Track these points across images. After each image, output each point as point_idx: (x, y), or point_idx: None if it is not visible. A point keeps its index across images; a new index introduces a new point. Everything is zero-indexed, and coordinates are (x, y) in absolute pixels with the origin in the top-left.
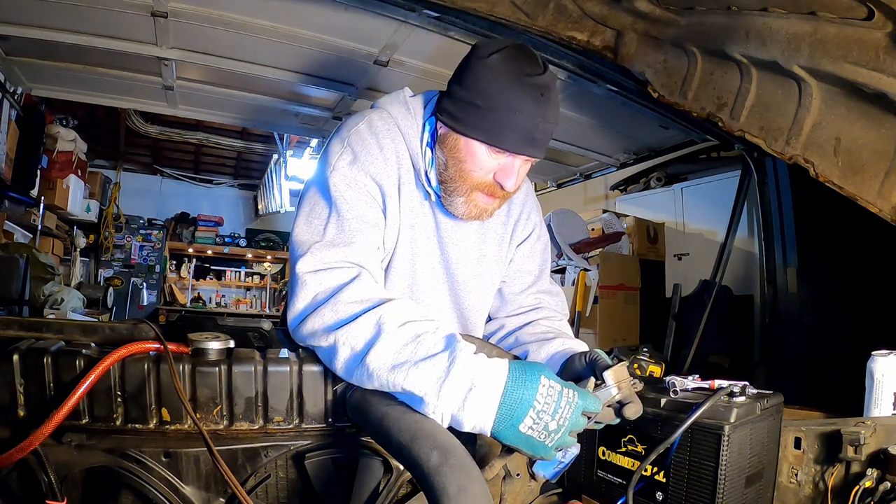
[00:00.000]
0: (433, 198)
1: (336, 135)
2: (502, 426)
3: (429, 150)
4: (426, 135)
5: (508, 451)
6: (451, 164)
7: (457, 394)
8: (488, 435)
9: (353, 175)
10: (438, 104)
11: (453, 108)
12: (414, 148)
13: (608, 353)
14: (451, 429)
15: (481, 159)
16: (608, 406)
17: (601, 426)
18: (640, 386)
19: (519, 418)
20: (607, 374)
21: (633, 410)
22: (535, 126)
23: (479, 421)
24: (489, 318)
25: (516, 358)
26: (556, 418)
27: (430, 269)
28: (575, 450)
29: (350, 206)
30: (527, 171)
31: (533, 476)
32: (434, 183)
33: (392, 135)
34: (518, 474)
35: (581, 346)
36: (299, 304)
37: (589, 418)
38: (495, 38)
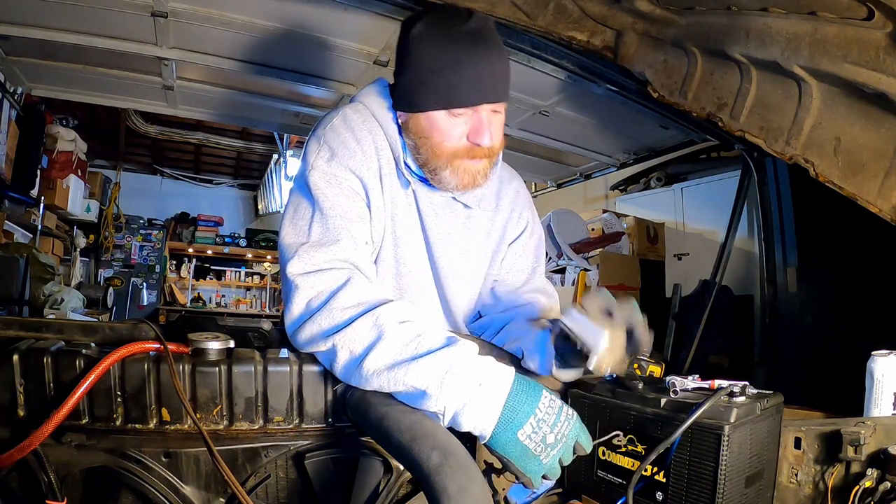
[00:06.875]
0: (413, 184)
1: (312, 133)
2: (501, 430)
3: (401, 138)
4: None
5: (487, 470)
6: (420, 145)
7: (463, 389)
8: (487, 437)
9: (332, 171)
10: (392, 98)
11: (404, 94)
12: (392, 136)
13: None
14: (451, 429)
15: (446, 128)
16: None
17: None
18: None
19: (520, 423)
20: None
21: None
22: (482, 70)
23: (481, 421)
24: (480, 315)
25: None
26: (554, 431)
27: (417, 260)
28: (551, 481)
29: (332, 204)
30: (501, 122)
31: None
32: (414, 168)
33: (369, 126)
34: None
35: None
36: (294, 310)
37: (575, 452)
38: (415, 10)
